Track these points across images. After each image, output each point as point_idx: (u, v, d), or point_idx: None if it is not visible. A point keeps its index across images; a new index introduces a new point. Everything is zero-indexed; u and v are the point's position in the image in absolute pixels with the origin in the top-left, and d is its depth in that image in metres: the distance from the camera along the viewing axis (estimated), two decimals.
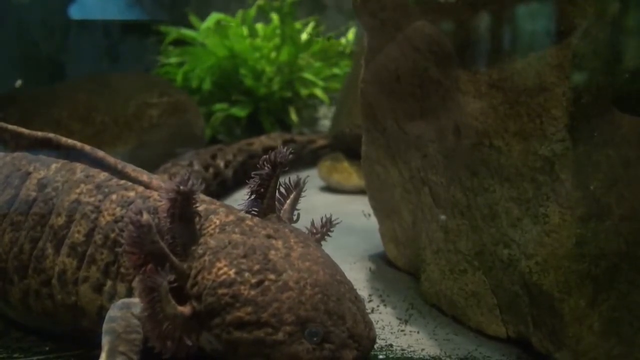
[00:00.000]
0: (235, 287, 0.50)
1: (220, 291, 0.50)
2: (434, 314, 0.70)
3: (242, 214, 0.57)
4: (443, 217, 0.61)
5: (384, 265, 0.90)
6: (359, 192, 1.47)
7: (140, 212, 0.50)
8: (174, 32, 2.27)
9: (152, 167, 0.79)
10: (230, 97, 2.11)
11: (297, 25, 2.22)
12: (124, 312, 0.52)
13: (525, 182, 0.56)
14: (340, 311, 0.50)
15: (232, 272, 0.50)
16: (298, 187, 0.63)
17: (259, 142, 1.71)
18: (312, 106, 2.35)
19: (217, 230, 0.54)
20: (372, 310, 0.72)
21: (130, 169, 0.61)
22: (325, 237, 0.65)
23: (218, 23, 2.12)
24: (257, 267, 0.51)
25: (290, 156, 0.58)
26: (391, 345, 0.62)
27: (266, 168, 0.57)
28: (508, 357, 0.59)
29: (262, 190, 0.58)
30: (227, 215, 0.56)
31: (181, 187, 0.51)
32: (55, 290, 0.58)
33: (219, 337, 0.50)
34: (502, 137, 0.57)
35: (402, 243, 0.84)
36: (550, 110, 0.53)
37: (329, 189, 1.52)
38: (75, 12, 2.38)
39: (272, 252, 0.52)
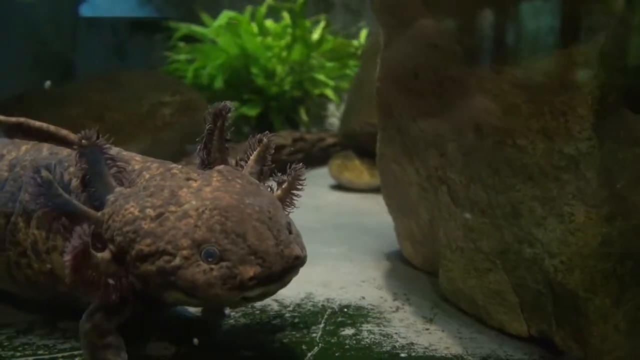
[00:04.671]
0: (137, 223, 0.52)
1: (125, 229, 0.52)
2: (454, 312, 0.70)
3: (174, 166, 0.59)
4: (468, 215, 0.61)
5: (400, 263, 0.90)
6: (370, 190, 1.47)
7: (38, 170, 0.53)
8: (183, 28, 2.27)
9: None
10: (240, 96, 2.11)
11: (307, 23, 2.22)
12: (92, 320, 0.55)
13: (549, 181, 0.55)
14: (240, 230, 0.50)
15: (136, 211, 0.53)
16: (262, 143, 0.63)
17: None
18: (319, 105, 2.35)
19: (144, 182, 0.56)
20: (397, 309, 0.72)
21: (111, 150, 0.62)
22: (297, 185, 0.63)
23: (229, 21, 2.12)
24: (159, 202, 0.53)
25: (233, 108, 0.60)
26: (412, 344, 0.62)
27: (209, 121, 0.59)
28: (530, 356, 0.59)
29: (207, 143, 0.59)
30: (157, 169, 0.58)
31: (83, 142, 0.54)
32: (31, 260, 0.62)
33: (133, 274, 0.52)
34: (526, 135, 0.57)
35: (419, 241, 0.84)
36: (576, 109, 0.53)
37: (340, 187, 1.52)
38: (85, 10, 2.39)
39: (184, 190, 0.54)
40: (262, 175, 0.63)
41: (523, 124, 0.57)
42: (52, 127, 0.68)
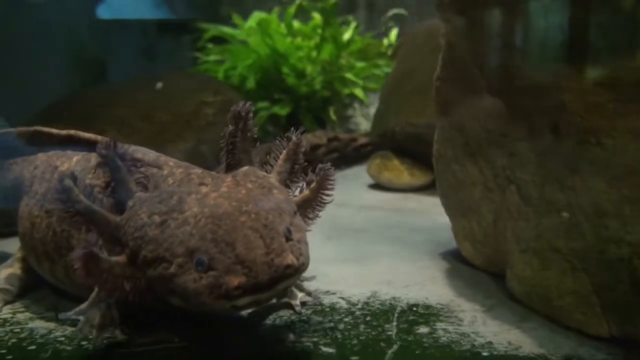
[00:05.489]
0: (144, 229, 0.53)
1: (135, 234, 0.54)
2: (525, 312, 0.70)
3: (194, 171, 0.61)
4: (565, 214, 0.61)
5: (457, 263, 0.90)
6: (410, 190, 1.47)
7: (62, 178, 0.57)
8: (212, 29, 2.29)
9: (210, 165, 0.81)
10: (271, 95, 2.12)
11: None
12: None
13: None
14: (229, 239, 0.50)
15: (145, 217, 0.54)
16: (292, 141, 0.63)
17: (306, 139, 1.73)
18: (344, 105, 2.36)
19: (165, 187, 0.58)
20: (466, 309, 0.72)
21: (140, 153, 0.65)
22: (327, 185, 0.63)
23: (260, 22, 2.14)
24: (165, 209, 0.54)
25: (252, 107, 0.61)
26: (492, 343, 0.62)
27: (231, 124, 0.60)
28: (614, 356, 0.59)
29: (229, 145, 0.61)
30: (180, 174, 0.60)
31: (102, 152, 0.58)
32: None
33: (143, 278, 0.54)
34: (612, 135, 0.57)
35: (480, 241, 0.84)
36: None
37: (378, 186, 1.52)
38: (113, 13, 2.42)
39: (192, 196, 0.55)
40: (292, 174, 0.63)
41: (608, 124, 0.57)
42: (99, 138, 0.72)
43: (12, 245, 0.81)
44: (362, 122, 2.32)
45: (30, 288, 0.77)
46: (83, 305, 0.58)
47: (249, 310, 0.68)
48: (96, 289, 0.59)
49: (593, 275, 0.62)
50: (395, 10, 2.48)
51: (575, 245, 0.63)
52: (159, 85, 1.37)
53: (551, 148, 0.65)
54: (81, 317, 0.57)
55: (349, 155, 1.86)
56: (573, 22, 0.59)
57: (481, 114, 0.78)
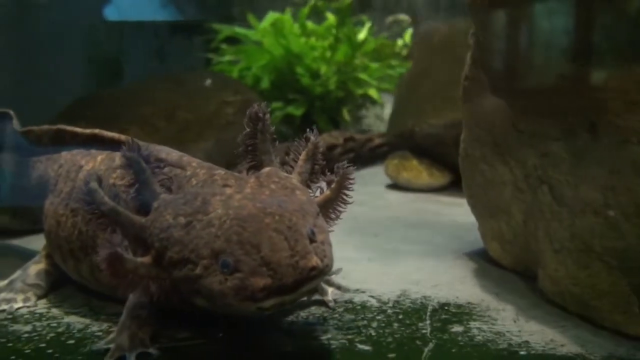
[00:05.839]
0: (169, 230, 0.54)
1: (160, 235, 0.54)
2: (559, 312, 0.70)
3: (217, 172, 0.61)
4: (612, 212, 0.61)
5: (485, 263, 0.90)
6: (429, 190, 1.47)
7: (87, 181, 0.58)
8: (226, 30, 2.31)
9: (230, 164, 0.81)
10: (285, 96, 2.13)
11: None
12: (135, 295, 0.60)
13: None
14: (255, 240, 0.50)
15: (170, 218, 0.54)
16: (311, 142, 0.63)
17: (322, 139, 1.73)
18: (359, 105, 2.36)
19: (189, 188, 0.58)
20: (498, 308, 0.72)
21: (163, 153, 0.65)
22: (347, 184, 0.63)
23: (274, 22, 2.15)
24: (190, 210, 0.54)
25: (269, 109, 0.61)
26: (528, 342, 0.62)
27: (249, 125, 0.60)
28: None
29: (249, 147, 0.61)
30: (203, 175, 0.60)
31: (127, 154, 0.58)
32: None
33: (169, 279, 0.54)
34: None
35: (509, 241, 0.84)
36: None
37: (396, 186, 1.53)
38: (121, 14, 2.44)
39: (216, 197, 0.55)
40: (313, 174, 0.64)
41: None
42: (123, 137, 0.72)
43: (41, 242, 0.82)
44: (375, 122, 2.33)
45: (59, 284, 0.77)
46: (112, 335, 0.59)
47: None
48: (121, 320, 0.59)
49: (632, 275, 0.61)
50: (391, 18, 2.50)
51: (614, 245, 0.62)
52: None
53: (587, 148, 0.65)
54: (111, 345, 0.57)
55: (365, 155, 1.86)
56: (612, 19, 0.59)
57: (512, 114, 0.78)
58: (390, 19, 2.57)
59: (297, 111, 2.07)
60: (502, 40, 0.75)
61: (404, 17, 2.53)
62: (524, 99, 0.74)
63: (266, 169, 0.60)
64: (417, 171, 1.47)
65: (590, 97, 0.63)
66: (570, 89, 0.66)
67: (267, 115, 0.61)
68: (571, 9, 0.64)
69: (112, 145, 0.74)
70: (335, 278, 0.79)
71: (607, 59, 0.60)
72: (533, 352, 0.60)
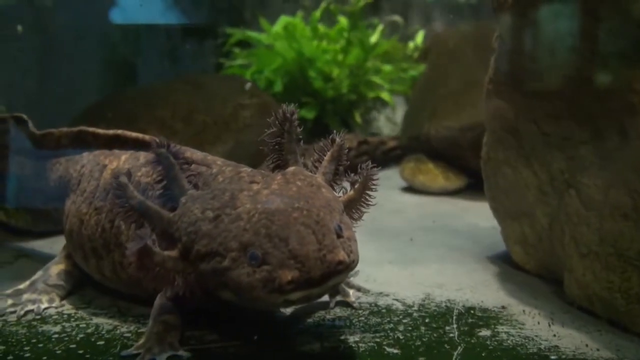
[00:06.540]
0: (197, 224, 0.54)
1: (188, 229, 0.55)
2: (586, 317, 0.69)
3: (243, 170, 0.62)
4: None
5: (507, 267, 0.89)
6: (444, 193, 1.47)
7: (117, 176, 0.59)
8: (238, 33, 2.32)
9: (249, 166, 0.81)
10: (297, 99, 2.14)
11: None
12: (160, 299, 0.61)
13: None
14: (283, 234, 0.51)
15: (198, 212, 0.55)
16: (336, 143, 0.64)
17: None
18: (370, 108, 2.36)
19: (216, 184, 0.59)
20: (525, 313, 0.71)
21: (188, 152, 0.66)
22: (371, 184, 0.64)
23: (286, 26, 2.15)
24: (218, 205, 0.55)
25: (297, 111, 0.62)
26: (558, 347, 0.62)
27: (276, 126, 0.61)
28: None
29: (276, 147, 0.62)
30: (230, 172, 0.61)
31: (157, 150, 0.59)
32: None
33: (195, 272, 0.55)
34: None
35: (533, 245, 0.84)
36: None
37: (412, 189, 1.52)
38: (126, 18, 2.45)
39: (244, 192, 0.55)
40: (337, 175, 0.64)
41: None
42: (147, 137, 0.74)
43: (62, 244, 0.82)
44: (385, 125, 2.33)
45: (80, 285, 0.78)
46: (141, 340, 0.59)
47: (305, 309, 0.69)
48: (147, 333, 0.59)
49: None
50: (387, 20, 2.50)
51: None
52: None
53: (618, 151, 0.64)
54: (141, 350, 0.58)
55: (378, 158, 1.86)
56: None
57: (538, 117, 0.77)
58: (386, 20, 2.58)
59: (309, 114, 2.08)
60: (528, 43, 0.75)
61: (397, 18, 2.54)
62: (550, 102, 0.74)
63: (291, 168, 0.61)
64: (433, 174, 1.46)
65: (620, 100, 0.63)
66: (601, 91, 0.66)
67: (295, 116, 0.62)
68: (598, 12, 0.63)
69: (134, 145, 0.75)
70: (354, 280, 0.79)
71: (636, 60, 0.60)
72: (564, 356, 0.60)
